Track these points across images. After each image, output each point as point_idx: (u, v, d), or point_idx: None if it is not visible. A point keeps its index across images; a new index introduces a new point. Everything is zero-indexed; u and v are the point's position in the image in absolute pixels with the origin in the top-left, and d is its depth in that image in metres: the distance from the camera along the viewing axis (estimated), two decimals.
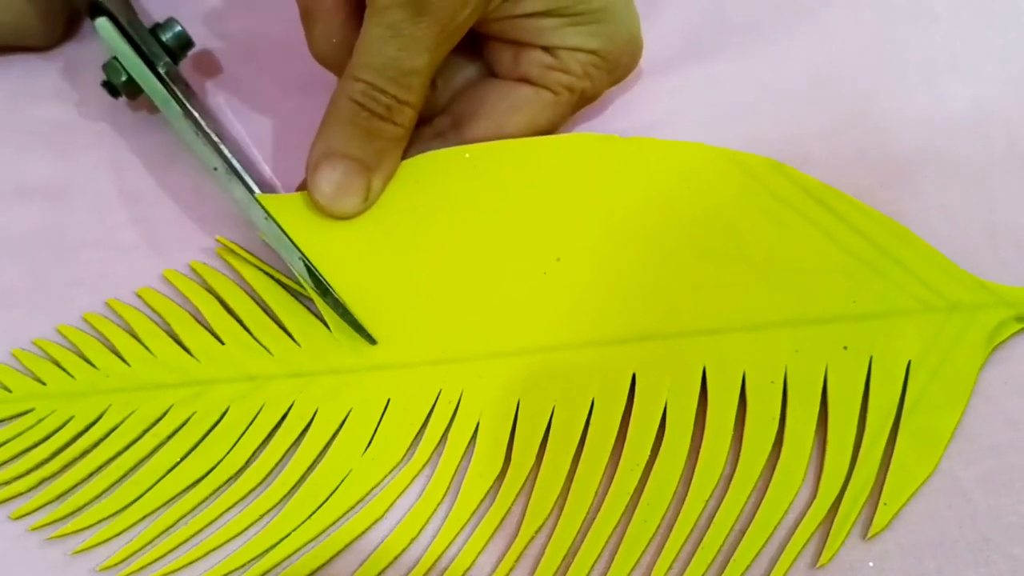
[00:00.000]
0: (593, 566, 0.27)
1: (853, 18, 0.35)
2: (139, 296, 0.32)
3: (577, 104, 0.32)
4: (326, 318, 0.30)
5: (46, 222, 0.34)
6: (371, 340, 0.30)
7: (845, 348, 0.29)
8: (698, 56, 0.35)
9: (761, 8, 0.36)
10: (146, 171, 0.35)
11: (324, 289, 0.30)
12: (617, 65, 0.32)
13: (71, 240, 0.33)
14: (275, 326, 0.31)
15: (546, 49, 0.31)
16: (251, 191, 0.31)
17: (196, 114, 0.32)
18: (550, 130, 0.32)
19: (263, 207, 0.31)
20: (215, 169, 0.31)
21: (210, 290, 0.32)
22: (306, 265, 0.30)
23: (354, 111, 0.29)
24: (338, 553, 0.28)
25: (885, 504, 0.27)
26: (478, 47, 0.33)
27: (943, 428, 0.28)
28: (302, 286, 0.31)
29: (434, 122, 0.33)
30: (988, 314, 0.29)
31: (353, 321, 0.30)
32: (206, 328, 0.31)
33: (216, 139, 0.32)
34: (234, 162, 0.31)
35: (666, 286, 0.30)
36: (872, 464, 0.27)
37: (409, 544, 0.28)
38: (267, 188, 0.33)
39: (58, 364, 0.31)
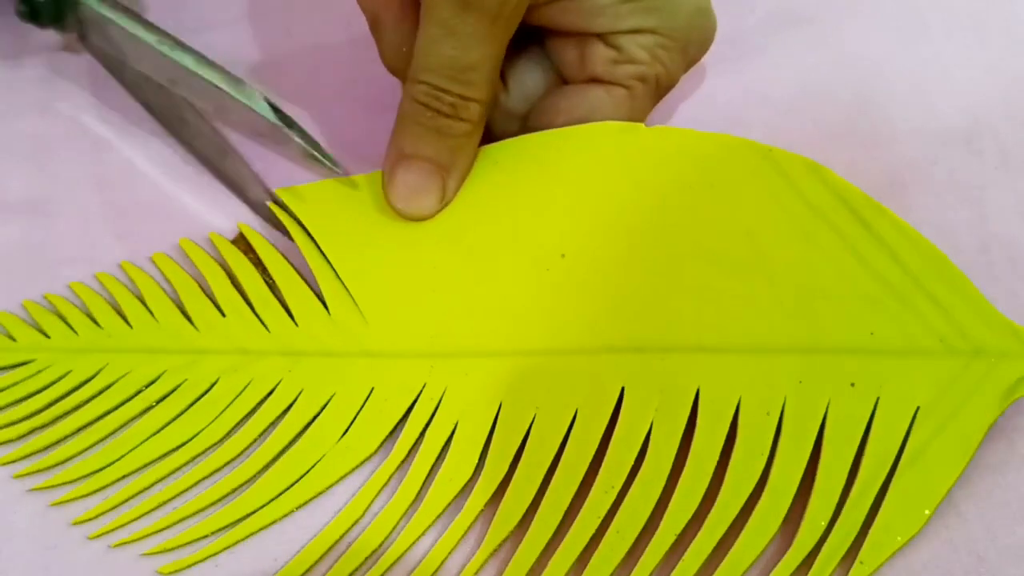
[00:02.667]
0: None
1: (843, 29, 0.34)
2: (152, 261, 0.33)
3: (656, 94, 0.31)
4: (296, 154, 0.31)
5: (27, 239, 0.33)
6: (340, 170, 0.30)
7: (852, 385, 0.27)
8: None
9: (751, 19, 0.35)
10: (130, 186, 0.34)
11: (289, 121, 0.31)
12: (687, 43, 0.30)
13: (53, 257, 0.33)
14: (277, 303, 0.31)
15: (606, 41, 0.30)
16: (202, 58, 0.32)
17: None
18: None
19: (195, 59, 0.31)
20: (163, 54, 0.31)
21: (221, 263, 0.32)
22: (268, 102, 0.31)
23: (419, 111, 0.29)
24: (321, 557, 0.27)
25: (861, 563, 0.25)
26: (543, 46, 0.32)
27: (936, 488, 0.25)
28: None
29: None
30: (1012, 365, 0.26)
31: (321, 150, 0.30)
32: (210, 298, 0.31)
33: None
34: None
35: (671, 294, 0.28)
36: (856, 519, 0.25)
37: (379, 545, 0.27)
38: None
39: (64, 319, 0.31)
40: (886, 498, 0.25)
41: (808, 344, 0.27)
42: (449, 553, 0.27)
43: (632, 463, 0.27)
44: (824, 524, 0.25)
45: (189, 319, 0.31)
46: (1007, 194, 0.31)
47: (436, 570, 0.27)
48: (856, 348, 0.27)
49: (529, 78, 0.32)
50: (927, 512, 0.25)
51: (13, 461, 0.29)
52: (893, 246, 0.28)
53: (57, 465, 0.29)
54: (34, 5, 0.32)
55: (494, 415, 0.28)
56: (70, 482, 0.29)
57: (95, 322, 0.31)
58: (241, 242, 0.33)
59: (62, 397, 0.30)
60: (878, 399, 0.26)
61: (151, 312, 0.31)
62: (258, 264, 0.32)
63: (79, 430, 0.30)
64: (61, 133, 0.35)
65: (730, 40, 0.34)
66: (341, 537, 0.28)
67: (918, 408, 0.26)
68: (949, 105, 0.33)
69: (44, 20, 0.32)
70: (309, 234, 0.31)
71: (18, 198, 0.34)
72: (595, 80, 0.30)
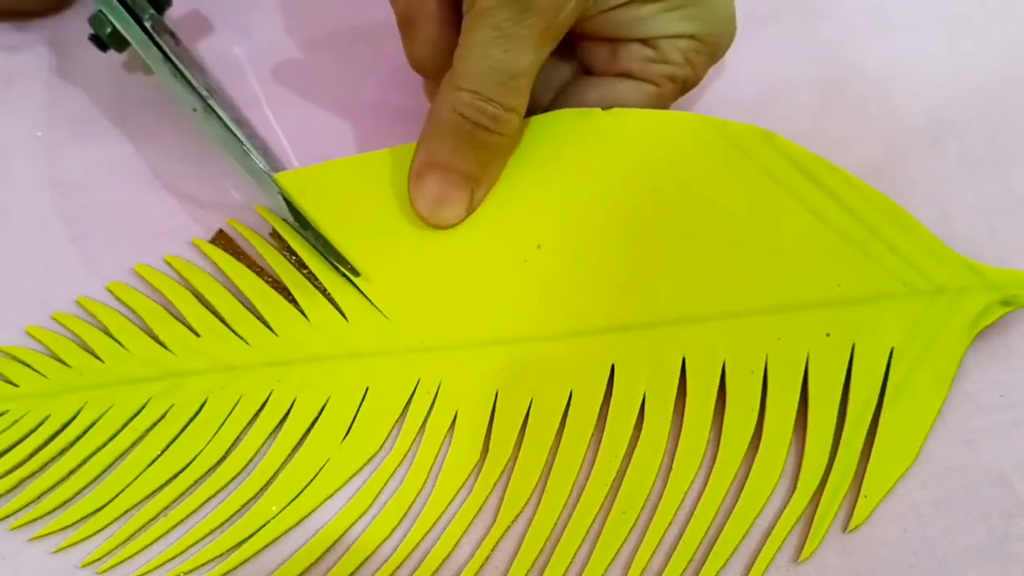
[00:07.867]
0: (573, 558, 0.27)
1: (809, 30, 0.35)
2: (109, 291, 0.32)
3: (679, 92, 0.32)
4: (304, 258, 0.31)
5: None
6: (355, 272, 0.30)
7: (828, 335, 0.28)
8: None
9: None
10: (84, 187, 0.34)
11: (304, 223, 0.30)
12: (717, 47, 0.31)
13: (6, 260, 0.32)
14: (252, 316, 0.31)
15: (644, 41, 0.30)
16: (231, 131, 0.31)
17: (176, 60, 0.32)
18: None
19: (241, 143, 0.31)
20: (194, 111, 0.31)
21: (184, 283, 0.32)
22: (285, 200, 0.30)
23: (459, 123, 0.28)
24: (328, 550, 0.28)
25: (866, 496, 0.27)
26: (572, 45, 0.32)
27: (924, 417, 0.28)
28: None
29: None
30: (973, 298, 0.28)
31: (335, 253, 0.30)
32: (180, 321, 0.31)
33: (193, 80, 0.32)
34: (212, 102, 0.31)
35: (647, 273, 0.29)
36: (852, 455, 0.27)
37: (390, 534, 0.28)
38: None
39: (28, 365, 0.30)
40: (878, 433, 0.27)
41: (781, 303, 0.29)
42: (463, 534, 0.28)
43: (631, 433, 0.28)
44: (823, 466, 0.27)
45: (162, 344, 0.31)
46: (970, 194, 0.32)
47: (451, 551, 0.28)
48: (826, 301, 0.29)
49: (553, 70, 0.32)
50: (919, 442, 0.27)
51: (9, 515, 0.29)
52: (847, 201, 0.29)
53: (55, 511, 0.29)
54: (101, 39, 0.32)
55: (492, 403, 0.29)
56: (71, 525, 0.28)
57: (62, 362, 0.30)
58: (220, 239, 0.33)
59: (46, 443, 0.29)
60: (854, 345, 0.28)
61: (120, 343, 0.31)
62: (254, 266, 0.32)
63: (71, 472, 0.29)
64: (14, 134, 0.35)
65: None
66: (348, 529, 0.28)
67: (892, 348, 0.28)
68: (914, 106, 0.33)
69: (109, 50, 0.33)
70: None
71: None
72: (626, 75, 0.31)
